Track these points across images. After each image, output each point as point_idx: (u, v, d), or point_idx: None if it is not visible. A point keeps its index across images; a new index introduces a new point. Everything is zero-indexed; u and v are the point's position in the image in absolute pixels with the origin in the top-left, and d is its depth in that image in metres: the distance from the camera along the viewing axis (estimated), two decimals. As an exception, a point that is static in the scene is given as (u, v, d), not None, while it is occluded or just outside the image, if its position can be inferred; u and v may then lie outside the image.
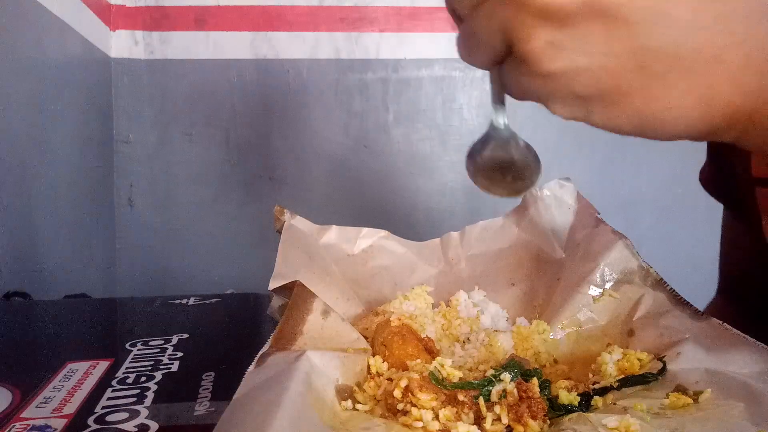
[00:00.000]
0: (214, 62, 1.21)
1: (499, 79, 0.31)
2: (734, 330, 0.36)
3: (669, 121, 0.27)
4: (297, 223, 0.52)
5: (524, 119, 1.10)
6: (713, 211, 0.60)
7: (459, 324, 0.47)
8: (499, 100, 0.34)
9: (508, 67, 0.29)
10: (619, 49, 0.26)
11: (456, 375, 0.34)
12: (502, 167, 0.36)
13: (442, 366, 0.35)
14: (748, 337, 0.35)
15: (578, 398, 0.34)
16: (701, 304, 0.48)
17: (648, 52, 0.26)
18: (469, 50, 0.30)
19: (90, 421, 0.33)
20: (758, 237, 0.48)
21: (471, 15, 0.28)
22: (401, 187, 1.29)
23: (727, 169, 0.51)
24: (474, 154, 0.37)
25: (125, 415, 0.34)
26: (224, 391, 0.37)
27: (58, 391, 0.37)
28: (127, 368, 0.41)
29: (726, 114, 0.27)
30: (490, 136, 0.36)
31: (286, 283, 0.42)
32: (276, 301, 0.45)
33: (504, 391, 0.32)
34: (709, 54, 0.26)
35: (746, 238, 0.53)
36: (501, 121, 0.35)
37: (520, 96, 0.30)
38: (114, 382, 0.38)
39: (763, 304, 0.52)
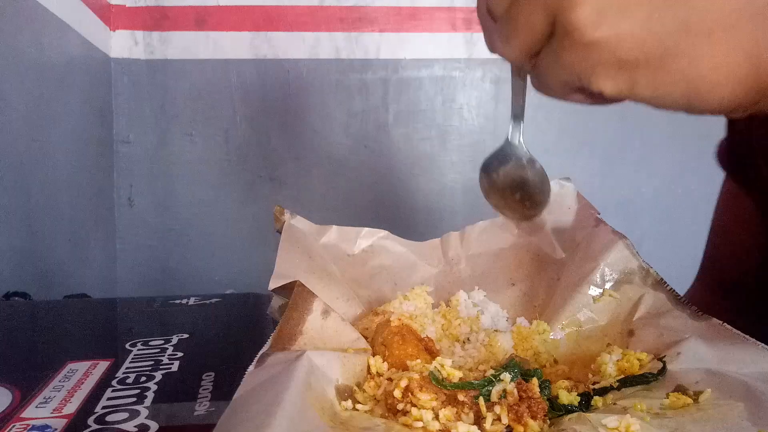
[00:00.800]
0: (214, 62, 1.21)
1: (530, 74, 0.31)
2: (734, 330, 0.36)
3: (717, 82, 0.27)
4: (297, 223, 0.52)
5: (525, 119, 1.09)
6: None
7: (459, 324, 0.47)
8: (519, 114, 0.34)
9: (546, 52, 0.29)
10: (663, 12, 0.26)
11: (456, 375, 0.34)
12: (516, 187, 0.36)
13: (442, 366, 0.35)
14: (748, 337, 0.35)
15: (578, 398, 0.34)
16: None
17: (692, 11, 0.26)
18: (507, 40, 0.30)
19: (90, 421, 0.33)
20: None
21: (511, 3, 0.29)
22: (401, 187, 1.29)
23: (746, 144, 0.51)
24: (490, 169, 0.36)
25: (125, 415, 0.34)
26: (224, 391, 0.37)
27: (58, 391, 0.37)
28: (127, 368, 0.41)
29: None
30: (509, 153, 0.35)
31: (286, 283, 0.42)
32: (276, 301, 0.45)
33: (504, 391, 0.32)
34: (751, 11, 0.26)
35: (750, 220, 0.53)
36: (518, 137, 0.35)
37: (559, 84, 0.30)
38: (114, 382, 0.38)
39: (760, 292, 0.52)
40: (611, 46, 0.27)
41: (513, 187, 0.36)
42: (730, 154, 0.55)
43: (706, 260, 0.61)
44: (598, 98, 0.30)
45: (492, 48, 0.32)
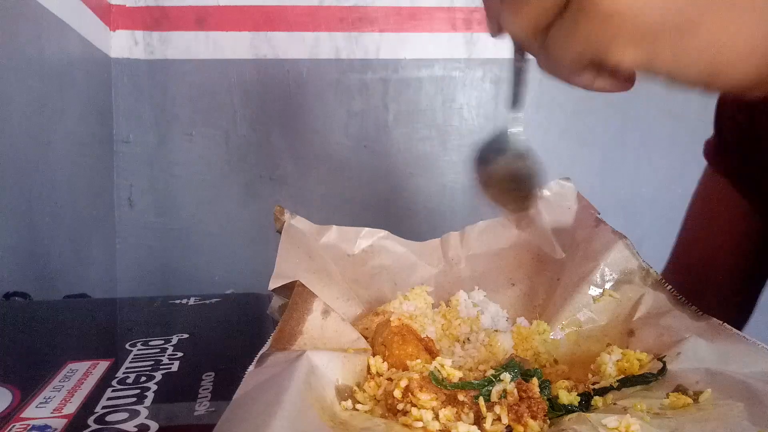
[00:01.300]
0: (214, 62, 1.21)
1: (537, 53, 0.29)
2: (734, 330, 0.36)
3: (739, 54, 0.26)
4: (297, 223, 0.52)
5: (526, 119, 1.09)
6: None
7: (459, 324, 0.47)
8: (519, 102, 0.33)
9: (558, 25, 0.27)
10: None
11: (456, 375, 0.34)
12: (513, 179, 0.36)
13: (442, 366, 0.35)
14: (748, 336, 0.35)
15: (578, 398, 0.34)
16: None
17: None
18: (516, 13, 0.28)
19: (90, 421, 0.33)
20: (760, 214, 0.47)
21: None
22: (401, 187, 1.29)
23: (749, 139, 0.50)
24: (486, 161, 0.36)
25: (125, 415, 0.34)
26: (224, 391, 0.37)
27: (58, 391, 0.37)
28: (127, 368, 0.41)
29: None
30: (507, 144, 0.35)
31: (286, 283, 0.42)
32: (276, 301, 0.45)
33: (504, 391, 0.32)
34: None
35: (725, 222, 0.53)
36: (518, 127, 0.34)
37: (570, 60, 0.28)
38: (114, 382, 0.38)
39: (729, 295, 0.52)
40: (631, 16, 0.25)
41: (509, 176, 0.36)
42: (720, 155, 0.55)
43: (672, 263, 0.61)
44: (610, 76, 0.28)
45: (495, 30, 0.30)
